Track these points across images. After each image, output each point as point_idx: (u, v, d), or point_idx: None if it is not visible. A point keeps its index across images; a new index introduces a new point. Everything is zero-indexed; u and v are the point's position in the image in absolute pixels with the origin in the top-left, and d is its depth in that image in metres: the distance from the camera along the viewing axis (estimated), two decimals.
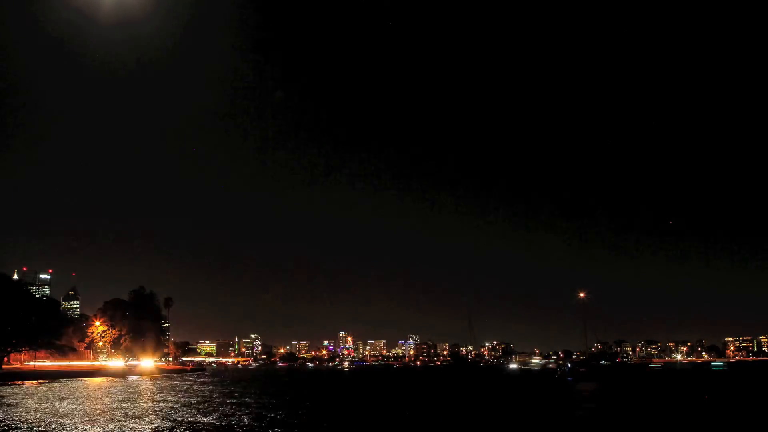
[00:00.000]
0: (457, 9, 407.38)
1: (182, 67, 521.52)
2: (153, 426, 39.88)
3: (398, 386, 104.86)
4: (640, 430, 40.63)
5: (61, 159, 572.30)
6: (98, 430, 38.50)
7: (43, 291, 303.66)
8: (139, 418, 44.96)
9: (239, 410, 50.94)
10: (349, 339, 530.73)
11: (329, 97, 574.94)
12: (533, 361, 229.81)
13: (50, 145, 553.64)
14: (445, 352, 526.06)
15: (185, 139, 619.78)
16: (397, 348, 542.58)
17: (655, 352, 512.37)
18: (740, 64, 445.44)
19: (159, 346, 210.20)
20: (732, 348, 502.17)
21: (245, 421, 42.74)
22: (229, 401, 62.09)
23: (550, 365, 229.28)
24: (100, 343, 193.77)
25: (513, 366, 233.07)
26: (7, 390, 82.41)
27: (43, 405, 56.75)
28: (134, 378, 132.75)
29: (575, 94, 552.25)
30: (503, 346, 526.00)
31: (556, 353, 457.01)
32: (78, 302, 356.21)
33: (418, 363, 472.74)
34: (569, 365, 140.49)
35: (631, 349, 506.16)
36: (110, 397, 68.38)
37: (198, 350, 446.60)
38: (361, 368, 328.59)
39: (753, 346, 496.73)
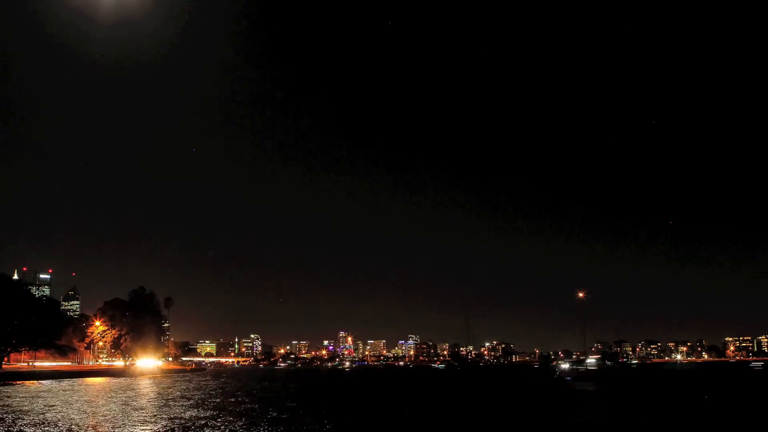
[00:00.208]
0: (457, 9, 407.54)
1: (182, 66, 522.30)
2: (155, 426, 39.62)
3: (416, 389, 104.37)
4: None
5: (61, 159, 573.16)
6: (99, 429, 38.26)
7: (43, 291, 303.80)
8: (141, 418, 44.70)
9: (239, 410, 50.75)
10: (349, 339, 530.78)
11: (329, 96, 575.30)
12: (589, 360, 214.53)
13: (50, 145, 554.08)
14: (445, 352, 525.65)
15: (185, 139, 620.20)
16: (397, 348, 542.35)
17: (655, 352, 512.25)
18: (740, 64, 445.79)
19: (159, 346, 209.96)
20: (732, 348, 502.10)
21: (245, 421, 42.52)
22: (229, 400, 61.90)
23: (607, 364, 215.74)
24: (100, 343, 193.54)
25: (564, 366, 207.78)
26: (8, 390, 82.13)
27: (44, 405, 56.48)
28: (134, 378, 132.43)
29: (575, 95, 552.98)
30: (503, 346, 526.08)
31: (556, 353, 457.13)
32: (78, 302, 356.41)
33: (414, 361, 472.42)
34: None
35: (631, 349, 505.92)
36: (110, 397, 68.10)
37: (198, 350, 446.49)
38: (362, 368, 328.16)
39: (753, 346, 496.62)
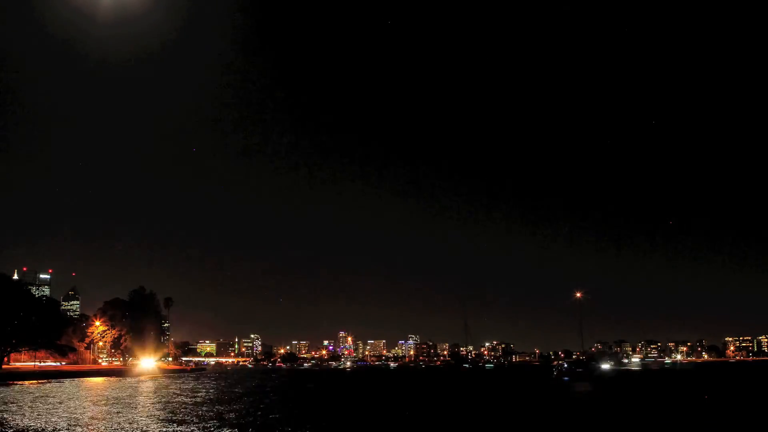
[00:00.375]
0: (457, 8, 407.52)
1: (182, 66, 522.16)
2: (156, 426, 39.60)
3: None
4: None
5: (61, 159, 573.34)
6: (100, 430, 38.23)
7: (43, 291, 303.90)
8: (142, 418, 44.68)
9: (238, 409, 50.70)
10: (349, 339, 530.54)
11: (329, 96, 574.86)
12: (633, 360, 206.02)
13: (50, 145, 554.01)
14: (445, 352, 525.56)
15: (185, 138, 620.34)
16: (397, 348, 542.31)
17: (655, 352, 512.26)
18: (740, 64, 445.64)
19: (159, 346, 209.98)
20: (732, 348, 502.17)
21: (245, 421, 42.47)
22: (229, 400, 61.86)
23: (653, 366, 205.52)
24: (100, 343, 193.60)
25: (605, 366, 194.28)
26: (8, 390, 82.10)
27: (44, 405, 56.46)
28: (135, 378, 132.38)
29: (575, 94, 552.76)
30: (503, 346, 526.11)
31: (556, 353, 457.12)
32: (78, 302, 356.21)
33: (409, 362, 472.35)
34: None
35: (631, 349, 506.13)
36: (111, 398, 68.08)
37: (198, 350, 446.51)
38: (364, 368, 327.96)
39: (753, 346, 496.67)
